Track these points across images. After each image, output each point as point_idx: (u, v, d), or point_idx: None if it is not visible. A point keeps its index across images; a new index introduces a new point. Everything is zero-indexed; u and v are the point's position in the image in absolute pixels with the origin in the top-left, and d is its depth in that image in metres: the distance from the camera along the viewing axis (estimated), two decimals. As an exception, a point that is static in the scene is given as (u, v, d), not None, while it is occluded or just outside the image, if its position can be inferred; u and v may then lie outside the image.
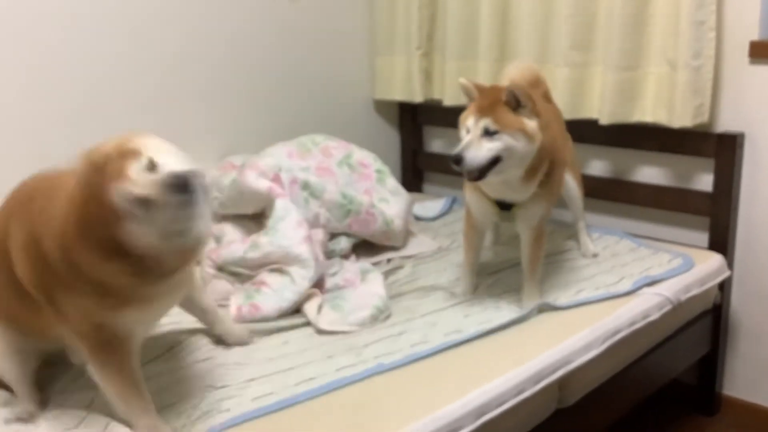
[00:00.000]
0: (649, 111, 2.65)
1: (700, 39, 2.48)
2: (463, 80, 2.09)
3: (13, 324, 1.75)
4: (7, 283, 1.67)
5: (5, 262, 1.65)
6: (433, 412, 1.69)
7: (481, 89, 2.07)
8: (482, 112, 2.00)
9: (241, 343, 2.03)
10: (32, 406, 1.72)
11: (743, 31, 2.52)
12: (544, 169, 2.11)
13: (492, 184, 2.09)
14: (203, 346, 2.01)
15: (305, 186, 2.55)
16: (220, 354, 1.97)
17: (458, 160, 1.97)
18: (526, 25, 2.87)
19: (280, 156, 2.59)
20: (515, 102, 1.99)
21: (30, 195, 1.66)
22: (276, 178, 2.50)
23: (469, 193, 2.26)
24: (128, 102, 2.60)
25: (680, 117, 2.54)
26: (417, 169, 3.54)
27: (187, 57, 2.74)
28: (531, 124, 2.00)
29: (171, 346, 2.00)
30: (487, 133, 1.98)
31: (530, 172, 2.07)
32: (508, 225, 2.35)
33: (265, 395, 1.76)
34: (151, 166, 1.45)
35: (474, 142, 1.98)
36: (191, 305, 1.96)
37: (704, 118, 2.55)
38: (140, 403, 1.62)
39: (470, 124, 2.01)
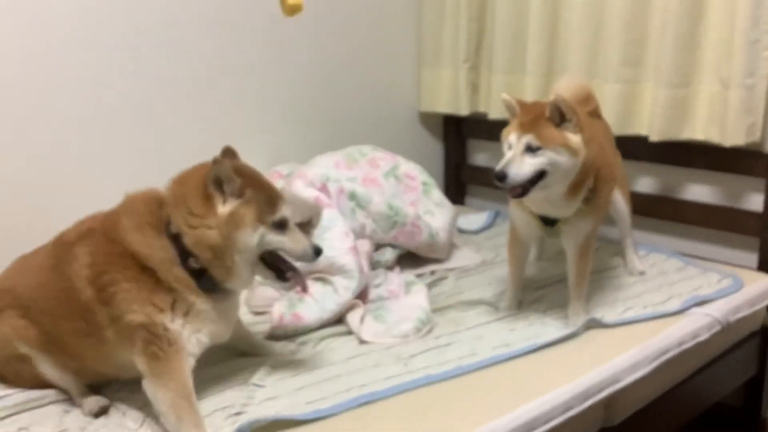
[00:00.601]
0: (700, 129, 2.63)
1: (754, 58, 2.45)
2: (505, 96, 2.09)
3: (64, 365, 1.82)
4: (63, 317, 1.76)
5: (69, 294, 1.73)
6: (480, 427, 1.69)
7: (522, 105, 2.06)
8: (524, 128, 1.99)
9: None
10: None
11: (798, 50, 2.48)
12: (588, 185, 2.09)
13: (535, 199, 2.08)
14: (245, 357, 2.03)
15: (352, 196, 2.56)
16: (264, 364, 1.96)
17: (502, 176, 1.96)
18: (575, 40, 2.86)
19: (327, 166, 2.61)
20: (559, 116, 1.98)
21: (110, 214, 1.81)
22: (323, 188, 2.52)
23: (513, 207, 2.25)
24: (177, 110, 2.64)
25: (732, 136, 2.51)
26: (460, 182, 3.54)
27: (233, 68, 2.77)
28: (575, 138, 1.99)
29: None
30: (530, 149, 1.97)
31: (573, 188, 2.06)
32: (553, 240, 2.34)
33: (318, 400, 1.77)
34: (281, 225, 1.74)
35: (516, 159, 1.97)
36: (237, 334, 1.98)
37: (756, 137, 2.52)
38: (192, 417, 1.63)
39: (512, 140, 2.00)
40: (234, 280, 1.73)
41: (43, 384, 1.83)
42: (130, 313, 1.67)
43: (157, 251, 1.69)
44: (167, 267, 1.69)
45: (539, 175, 1.99)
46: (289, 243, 1.74)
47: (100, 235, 1.74)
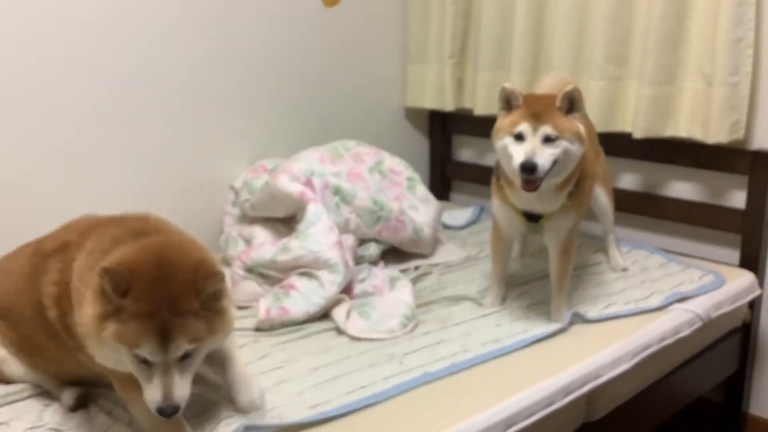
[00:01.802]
0: (683, 126, 2.64)
1: (737, 55, 2.47)
2: (507, 85, 2.07)
3: (43, 369, 1.81)
4: (39, 325, 1.72)
5: (39, 308, 1.70)
6: (462, 422, 1.69)
7: (526, 97, 2.06)
8: (539, 118, 1.98)
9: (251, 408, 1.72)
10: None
11: (781, 48, 2.50)
12: (574, 179, 2.10)
13: (523, 194, 2.08)
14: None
15: (337, 191, 2.56)
16: (261, 368, 1.94)
17: (532, 167, 1.94)
18: (560, 38, 2.86)
19: (312, 161, 2.60)
20: (569, 106, 1.99)
21: (90, 228, 1.72)
22: (308, 183, 2.51)
23: (496, 203, 2.25)
24: (161, 105, 2.63)
25: (715, 133, 2.52)
26: (445, 177, 3.55)
27: (220, 61, 2.76)
28: (582, 127, 2.01)
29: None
30: (548, 140, 1.97)
31: (564, 181, 2.07)
32: (536, 237, 2.34)
33: (321, 403, 1.76)
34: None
35: (538, 149, 1.97)
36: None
37: (740, 134, 2.54)
38: (169, 424, 1.58)
39: (524, 131, 1.99)
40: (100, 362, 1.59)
41: (6, 383, 1.84)
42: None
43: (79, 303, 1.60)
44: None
45: (553, 166, 1.99)
46: (144, 385, 1.51)
47: (72, 252, 1.67)
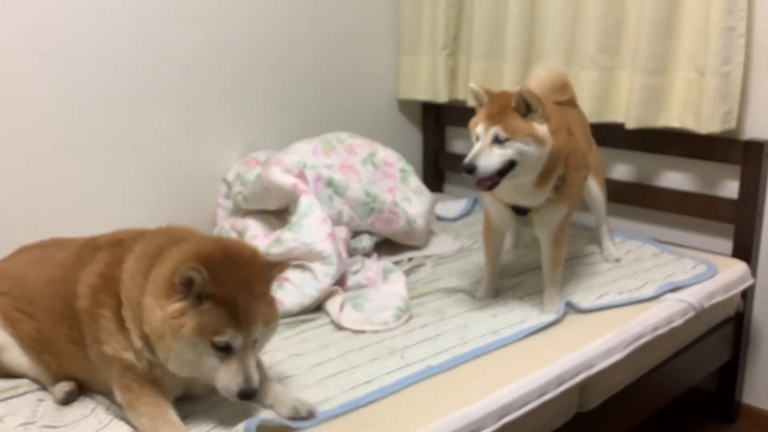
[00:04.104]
0: (676, 116, 2.64)
1: (729, 45, 2.47)
2: (473, 85, 2.08)
3: (46, 365, 1.81)
4: (60, 318, 1.74)
5: (70, 297, 1.71)
6: (455, 412, 1.69)
7: (491, 95, 2.05)
8: (492, 119, 1.98)
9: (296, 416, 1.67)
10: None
11: (773, 37, 2.50)
12: (558, 173, 2.10)
13: (504, 189, 2.08)
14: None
15: (329, 183, 2.56)
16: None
17: (471, 168, 1.96)
18: (553, 27, 2.86)
19: (304, 153, 2.60)
20: (525, 107, 1.99)
21: (138, 235, 1.75)
22: (300, 175, 2.51)
23: (486, 197, 2.26)
24: (153, 97, 2.61)
25: (708, 123, 2.52)
26: (438, 169, 3.54)
27: (212, 52, 2.75)
28: (541, 128, 1.99)
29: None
30: (498, 141, 1.97)
31: (542, 178, 2.07)
32: (528, 228, 2.34)
33: (326, 399, 1.75)
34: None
35: (485, 150, 1.97)
36: None
37: (732, 124, 2.54)
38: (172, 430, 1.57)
39: (480, 131, 2.00)
40: (169, 366, 1.58)
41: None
42: (105, 344, 1.64)
43: (129, 302, 1.62)
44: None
45: (508, 166, 1.99)
46: (220, 373, 1.54)
47: (123, 250, 1.69)
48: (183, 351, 1.53)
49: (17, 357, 1.83)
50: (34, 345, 1.80)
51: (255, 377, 1.55)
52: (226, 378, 1.53)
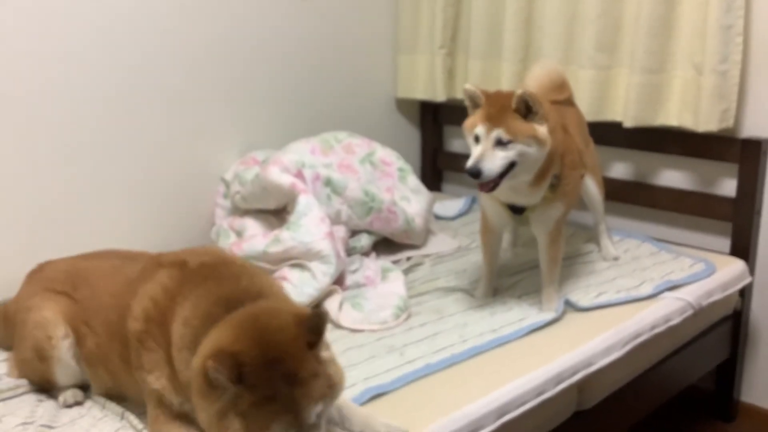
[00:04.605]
0: (674, 115, 2.64)
1: (727, 43, 2.47)
2: (468, 86, 2.07)
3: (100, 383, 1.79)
4: (115, 334, 1.70)
5: (125, 315, 1.66)
6: (455, 412, 1.70)
7: (487, 95, 2.05)
8: (493, 121, 1.98)
9: None
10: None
11: (771, 36, 2.51)
12: (553, 172, 2.10)
13: (501, 188, 2.07)
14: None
15: (328, 182, 2.56)
16: None
17: (477, 173, 1.95)
18: (550, 27, 2.86)
19: (303, 152, 2.60)
20: (525, 108, 1.99)
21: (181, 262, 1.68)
22: (299, 174, 2.51)
23: (483, 196, 2.25)
24: (153, 96, 2.61)
25: (705, 121, 2.53)
26: (437, 168, 3.54)
27: (211, 52, 2.75)
28: (542, 129, 1.99)
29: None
30: (500, 143, 1.97)
31: (538, 177, 2.07)
32: (526, 227, 2.34)
33: None
34: None
35: (488, 153, 1.97)
36: None
37: (729, 123, 2.54)
38: None
39: (480, 133, 1.99)
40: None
41: (40, 381, 1.82)
42: (150, 374, 1.60)
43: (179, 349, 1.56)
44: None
45: (509, 167, 1.99)
46: None
47: (181, 279, 1.62)
48: None
49: (69, 373, 1.79)
50: (92, 360, 1.77)
51: None
52: None
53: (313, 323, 1.43)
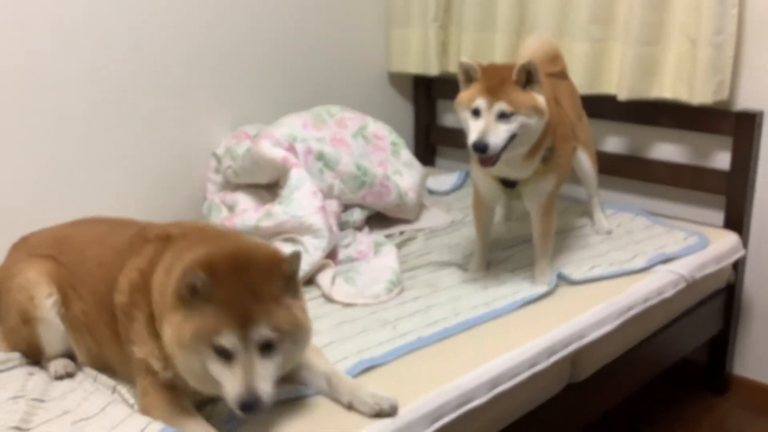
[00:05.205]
0: (668, 87, 2.62)
1: (722, 15, 2.45)
2: (464, 59, 2.05)
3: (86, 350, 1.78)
4: (103, 305, 1.70)
5: (112, 287, 1.66)
6: (447, 383, 1.70)
7: (483, 68, 2.02)
8: (493, 93, 1.96)
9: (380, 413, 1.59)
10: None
11: (765, 8, 2.48)
12: (546, 145, 2.09)
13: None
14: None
15: (320, 156, 2.54)
16: None
17: (483, 147, 1.93)
18: (544, -1, 2.83)
19: (294, 126, 2.58)
20: (526, 78, 1.97)
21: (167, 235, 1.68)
22: (291, 148, 2.49)
23: (475, 170, 2.24)
24: (145, 71, 2.58)
25: (700, 94, 2.51)
26: (430, 143, 3.53)
27: (202, 26, 2.72)
28: (541, 99, 1.98)
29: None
30: (503, 116, 1.95)
31: (532, 150, 2.06)
32: (519, 201, 2.34)
33: None
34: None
35: (491, 127, 1.95)
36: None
37: (724, 95, 2.53)
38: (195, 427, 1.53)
39: (481, 107, 1.97)
40: (190, 383, 1.52)
41: (28, 348, 1.80)
42: (136, 345, 1.60)
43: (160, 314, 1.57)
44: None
45: (509, 140, 1.98)
46: (225, 381, 1.42)
47: (167, 247, 1.62)
48: (189, 361, 1.45)
49: (56, 336, 1.78)
50: (78, 326, 1.77)
51: (260, 386, 1.40)
52: (228, 386, 1.40)
53: (288, 263, 1.47)
